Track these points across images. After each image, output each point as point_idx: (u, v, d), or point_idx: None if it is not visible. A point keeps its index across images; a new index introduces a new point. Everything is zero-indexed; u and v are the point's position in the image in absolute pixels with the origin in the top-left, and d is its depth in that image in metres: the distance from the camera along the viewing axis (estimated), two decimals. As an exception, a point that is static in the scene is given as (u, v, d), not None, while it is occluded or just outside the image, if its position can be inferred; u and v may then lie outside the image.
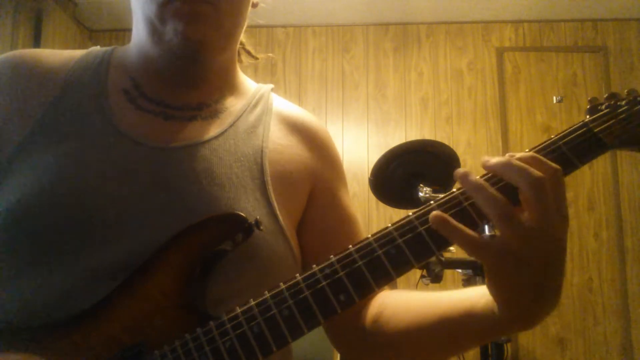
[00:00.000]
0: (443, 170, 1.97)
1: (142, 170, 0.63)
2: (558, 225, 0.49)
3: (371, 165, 2.05)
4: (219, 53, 0.72)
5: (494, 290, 0.53)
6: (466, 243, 0.49)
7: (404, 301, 0.68)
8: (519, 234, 0.48)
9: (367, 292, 0.53)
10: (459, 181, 0.52)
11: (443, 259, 1.72)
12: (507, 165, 0.50)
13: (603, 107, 0.59)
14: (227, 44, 0.72)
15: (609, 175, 3.27)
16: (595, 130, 0.56)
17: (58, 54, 0.74)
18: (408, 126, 3.43)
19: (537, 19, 3.47)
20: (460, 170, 0.52)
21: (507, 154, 0.53)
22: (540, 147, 0.56)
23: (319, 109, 3.45)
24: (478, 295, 0.57)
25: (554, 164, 0.51)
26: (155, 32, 0.68)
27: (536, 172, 0.49)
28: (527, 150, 0.55)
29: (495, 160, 0.51)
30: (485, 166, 0.52)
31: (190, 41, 0.66)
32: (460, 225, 0.50)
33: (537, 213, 0.48)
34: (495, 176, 0.52)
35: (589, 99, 0.61)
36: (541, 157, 0.51)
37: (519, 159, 0.51)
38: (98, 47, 0.77)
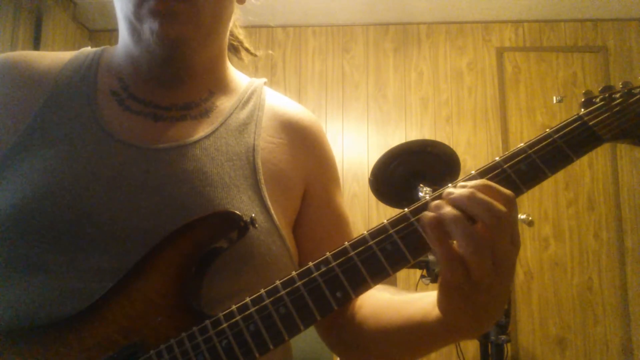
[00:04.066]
0: (443, 170, 1.97)
1: (133, 172, 0.63)
2: (512, 254, 0.50)
3: (371, 165, 2.05)
4: (201, 50, 0.70)
5: (447, 306, 0.55)
6: (445, 253, 0.50)
7: (375, 305, 0.69)
8: (483, 263, 0.48)
9: (363, 288, 0.53)
10: (434, 212, 0.51)
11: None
12: (471, 199, 0.49)
13: (597, 100, 0.59)
14: (209, 41, 0.71)
15: (609, 175, 3.27)
16: (590, 124, 0.56)
17: (49, 56, 0.73)
18: (408, 126, 3.43)
19: (537, 19, 3.47)
20: (435, 202, 0.52)
21: (460, 183, 0.53)
22: (535, 140, 0.55)
23: (319, 109, 3.45)
24: (431, 306, 0.58)
25: (507, 191, 0.50)
26: (134, 31, 0.67)
27: (498, 206, 0.49)
28: (522, 144, 0.55)
29: (458, 193, 0.51)
30: (448, 199, 0.51)
31: (167, 40, 0.65)
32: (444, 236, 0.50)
33: (498, 245, 0.49)
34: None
35: (583, 92, 0.61)
36: (494, 185, 0.51)
37: (475, 187, 0.51)
38: (89, 48, 0.76)
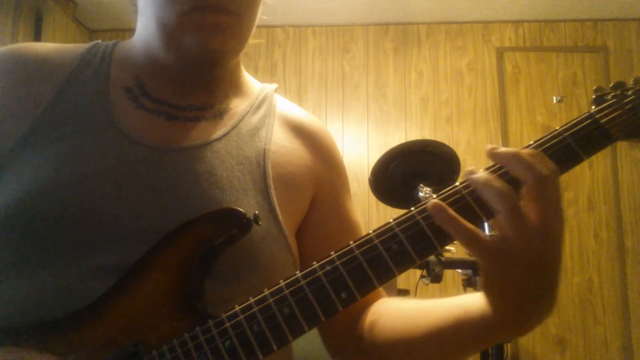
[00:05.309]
0: (443, 170, 1.97)
1: (143, 171, 0.62)
2: (558, 225, 0.48)
3: (371, 165, 2.05)
4: (234, 58, 0.72)
5: (489, 291, 0.52)
6: (464, 236, 0.48)
7: (398, 310, 0.67)
8: (522, 232, 0.47)
9: (368, 289, 0.52)
10: (466, 178, 0.50)
11: (443, 259, 1.72)
12: (515, 158, 0.49)
13: (609, 97, 0.57)
14: (241, 49, 0.72)
15: (609, 175, 3.27)
16: (602, 122, 0.54)
17: (59, 49, 0.72)
18: (408, 126, 3.43)
19: (537, 19, 3.47)
20: (467, 169, 0.51)
21: (507, 149, 0.51)
22: (546, 138, 0.54)
23: (319, 109, 3.45)
24: (472, 301, 0.55)
25: (554, 164, 0.49)
26: (171, 39, 0.66)
27: (543, 169, 0.47)
28: (531, 142, 0.54)
29: (503, 150, 0.50)
30: (491, 154, 0.50)
31: (211, 51, 0.65)
32: (459, 217, 0.49)
33: (541, 211, 0.47)
34: (499, 170, 0.51)
35: (594, 88, 0.59)
36: (544, 155, 0.50)
37: (499, 154, 0.50)
38: (100, 41, 0.75)
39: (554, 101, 3.34)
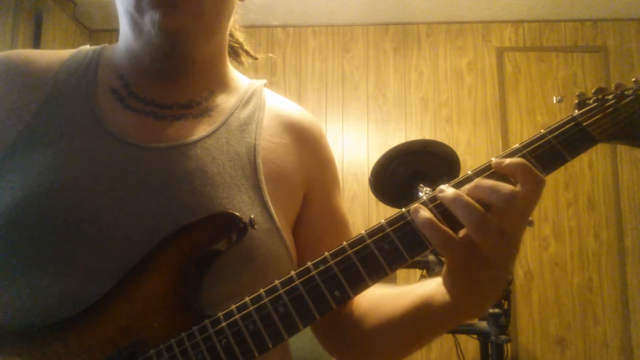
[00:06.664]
0: (443, 170, 1.98)
1: (135, 171, 0.62)
2: (522, 229, 0.52)
3: (371, 165, 2.05)
4: (201, 44, 0.70)
5: (453, 285, 0.56)
6: (440, 239, 0.51)
7: (372, 300, 0.70)
8: (490, 240, 0.50)
9: (361, 287, 0.53)
10: (437, 195, 0.53)
11: (443, 259, 1.73)
12: (477, 187, 0.52)
13: (591, 101, 0.61)
14: (209, 35, 0.70)
15: (609, 175, 3.27)
16: (584, 125, 0.58)
17: (47, 55, 0.73)
18: (408, 126, 3.43)
19: (537, 19, 3.47)
20: (440, 186, 0.54)
21: (494, 159, 0.55)
22: (530, 140, 0.57)
23: (319, 109, 3.45)
24: (432, 291, 0.59)
25: (541, 175, 0.52)
26: (135, 24, 0.66)
27: (504, 188, 0.51)
28: (518, 145, 0.57)
29: (465, 186, 0.53)
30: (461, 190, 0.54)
31: (168, 31, 0.64)
32: (436, 220, 0.52)
33: (509, 224, 0.51)
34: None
35: (577, 94, 0.62)
36: (531, 167, 0.52)
37: (509, 165, 0.53)
38: (87, 46, 0.76)
39: (554, 101, 3.35)
